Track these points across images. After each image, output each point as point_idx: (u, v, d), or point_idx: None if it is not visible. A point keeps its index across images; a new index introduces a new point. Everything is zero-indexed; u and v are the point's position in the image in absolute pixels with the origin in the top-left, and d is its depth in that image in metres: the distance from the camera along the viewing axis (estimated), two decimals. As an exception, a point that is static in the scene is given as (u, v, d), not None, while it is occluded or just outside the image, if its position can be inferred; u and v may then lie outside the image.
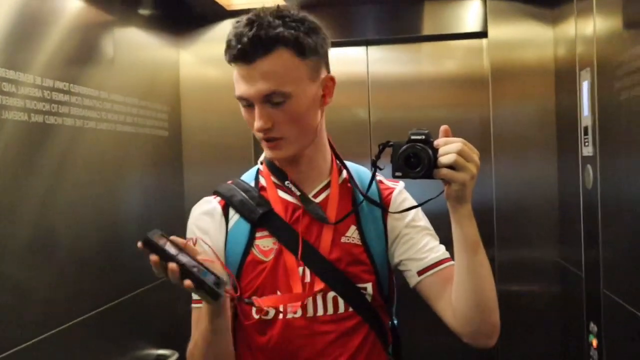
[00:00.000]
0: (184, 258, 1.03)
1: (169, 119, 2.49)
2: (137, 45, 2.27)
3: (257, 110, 1.14)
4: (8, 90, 1.51)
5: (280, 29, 1.11)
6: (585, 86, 1.91)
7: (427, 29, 2.61)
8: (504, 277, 2.43)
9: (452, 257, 1.20)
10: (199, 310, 1.20)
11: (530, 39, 2.43)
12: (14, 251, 1.52)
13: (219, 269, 1.10)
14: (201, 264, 1.05)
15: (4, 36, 1.52)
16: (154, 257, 1.02)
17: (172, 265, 1.01)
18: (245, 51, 1.11)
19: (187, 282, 1.01)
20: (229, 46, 1.13)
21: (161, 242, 1.04)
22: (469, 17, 2.55)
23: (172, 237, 1.07)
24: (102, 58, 2.00)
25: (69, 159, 1.77)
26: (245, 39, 1.10)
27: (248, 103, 1.16)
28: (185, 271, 1.02)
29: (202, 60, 2.65)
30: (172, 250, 1.03)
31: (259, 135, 1.18)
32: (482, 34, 2.53)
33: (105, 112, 1.95)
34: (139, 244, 1.02)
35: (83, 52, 1.88)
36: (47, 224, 1.66)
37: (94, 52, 1.96)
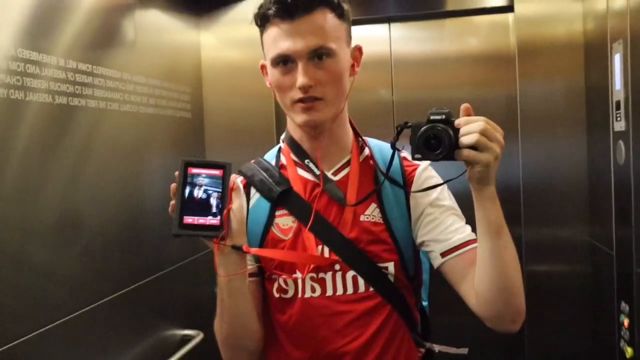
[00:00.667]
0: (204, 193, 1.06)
1: (191, 100, 2.48)
2: (158, 27, 2.26)
3: (301, 67, 1.13)
4: (32, 72, 1.50)
5: None
6: (617, 59, 1.86)
7: (451, 4, 2.55)
8: (532, 258, 2.40)
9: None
10: None
11: (558, 12, 2.36)
12: (40, 232, 1.53)
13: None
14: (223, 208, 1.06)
15: (28, 18, 1.51)
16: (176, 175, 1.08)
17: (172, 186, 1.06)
18: (288, 7, 1.11)
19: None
20: (270, 2, 1.13)
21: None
22: (495, -9, 2.49)
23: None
24: (124, 40, 1.99)
25: (92, 140, 1.77)
26: None
27: (287, 63, 1.15)
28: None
29: (224, 41, 2.63)
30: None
31: (296, 95, 1.16)
32: (508, 8, 2.46)
33: (128, 93, 1.95)
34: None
35: (105, 34, 1.87)
36: (72, 206, 1.66)
37: (116, 34, 1.95)
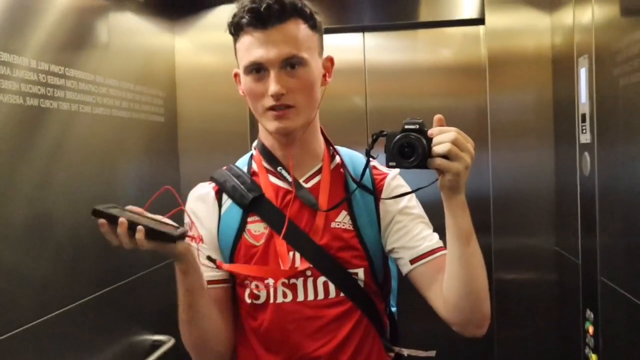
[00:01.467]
0: (133, 217, 1.07)
1: (164, 104, 2.47)
2: (132, 30, 2.25)
3: (273, 75, 1.15)
4: (3, 72, 1.49)
5: (295, 1, 1.16)
6: (582, 73, 1.91)
7: (424, 15, 2.60)
8: (501, 266, 2.45)
9: (445, 246, 1.19)
10: None
11: (527, 26, 2.42)
12: (9, 236, 1.51)
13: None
14: (160, 221, 1.10)
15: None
16: (101, 221, 1.07)
17: (121, 220, 1.05)
18: (261, 16, 1.13)
19: (139, 234, 1.06)
20: (244, 10, 1.15)
21: (113, 211, 1.08)
22: (466, 4, 2.55)
23: (130, 207, 1.12)
24: (97, 43, 1.98)
25: (64, 143, 1.75)
26: (264, 4, 1.12)
27: (259, 70, 1.16)
28: (133, 226, 1.06)
29: (198, 46, 2.63)
30: (125, 215, 1.07)
31: (267, 103, 1.17)
32: (479, 21, 2.52)
33: (100, 96, 1.93)
34: (92, 215, 1.06)
35: (78, 37, 1.86)
36: (43, 209, 1.65)
37: (89, 37, 1.94)
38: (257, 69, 1.16)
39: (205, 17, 2.61)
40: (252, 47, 1.15)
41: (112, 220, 1.06)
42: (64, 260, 1.72)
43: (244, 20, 1.15)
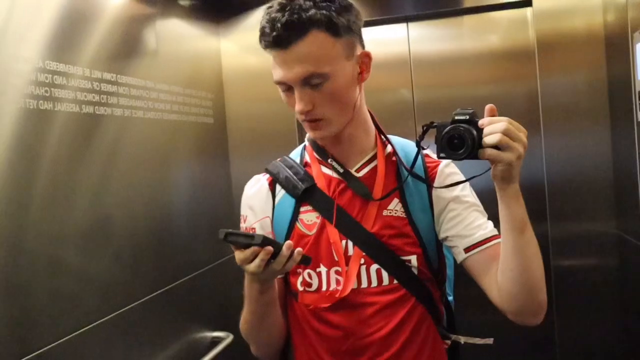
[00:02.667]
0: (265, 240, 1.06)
1: (213, 106, 2.52)
2: (179, 35, 2.30)
3: (297, 93, 1.15)
4: (59, 82, 1.55)
5: (312, 11, 1.11)
6: (638, 49, 1.84)
7: (469, 1, 2.55)
8: (559, 253, 2.39)
9: (499, 234, 1.17)
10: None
11: (577, 5, 2.34)
12: (71, 238, 1.57)
13: None
14: (274, 240, 1.09)
15: (53, 31, 1.56)
16: (253, 250, 1.06)
17: (268, 249, 1.06)
18: (280, 37, 1.11)
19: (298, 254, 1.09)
20: (263, 33, 1.14)
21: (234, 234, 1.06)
22: (512, -14, 2.49)
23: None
24: (147, 49, 2.03)
25: (119, 147, 1.81)
26: (278, 25, 1.10)
27: (287, 87, 1.17)
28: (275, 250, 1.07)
29: (243, 47, 2.66)
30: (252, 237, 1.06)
31: (301, 117, 1.19)
32: (527, 3, 2.45)
33: (152, 101, 1.99)
34: (221, 237, 1.05)
35: (128, 44, 1.92)
36: (102, 212, 1.71)
37: (139, 44, 1.99)
38: (284, 86, 1.18)
39: (249, 18, 2.64)
40: (276, 66, 1.16)
41: (247, 244, 1.06)
42: (125, 260, 1.78)
43: (263, 44, 1.15)
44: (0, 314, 1.32)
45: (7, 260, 1.35)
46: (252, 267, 1.07)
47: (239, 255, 1.08)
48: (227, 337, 2.21)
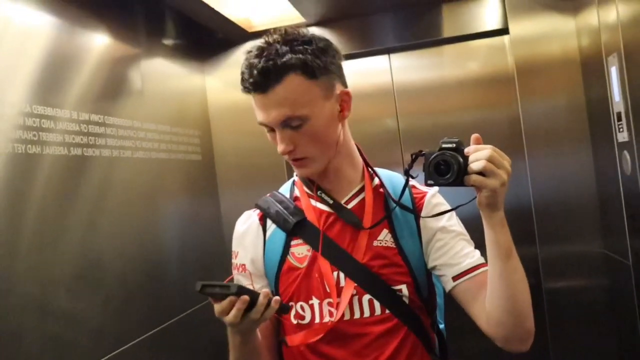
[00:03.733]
0: (240, 289, 1.06)
1: (200, 143, 2.54)
2: (164, 74, 2.33)
3: (278, 135, 1.18)
4: (47, 126, 1.56)
5: (288, 56, 1.13)
6: (613, 72, 1.89)
7: (448, 31, 2.61)
8: (550, 274, 2.40)
9: (486, 262, 1.19)
10: None
11: (552, 31, 2.41)
12: (61, 281, 1.57)
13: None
14: (250, 290, 1.09)
15: (39, 74, 1.58)
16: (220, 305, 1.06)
17: (244, 298, 1.05)
18: (257, 83, 1.14)
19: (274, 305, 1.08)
20: (242, 78, 1.17)
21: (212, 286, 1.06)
22: (489, 15, 2.55)
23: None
24: (133, 89, 2.06)
25: (108, 188, 1.82)
26: (255, 71, 1.13)
27: (270, 128, 1.20)
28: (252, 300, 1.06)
29: (228, 83, 2.70)
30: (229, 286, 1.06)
31: (284, 156, 1.21)
32: (504, 31, 2.52)
33: (139, 140, 2.01)
34: (197, 289, 1.05)
35: (114, 85, 1.94)
36: (92, 254, 1.71)
37: (125, 84, 2.02)
38: (267, 127, 1.20)
39: (232, 55, 2.69)
40: (257, 109, 1.19)
41: (224, 295, 1.06)
42: (116, 302, 1.77)
43: (244, 88, 1.19)
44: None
45: (4, 306, 1.35)
46: (229, 318, 1.08)
47: (216, 307, 1.09)
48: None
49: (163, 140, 2.18)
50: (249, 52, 1.18)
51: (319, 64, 1.17)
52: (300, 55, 1.14)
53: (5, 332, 1.36)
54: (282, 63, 1.13)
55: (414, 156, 1.14)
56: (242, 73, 1.17)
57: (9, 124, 1.45)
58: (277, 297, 1.10)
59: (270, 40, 1.16)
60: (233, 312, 1.07)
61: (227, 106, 2.70)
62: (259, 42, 1.18)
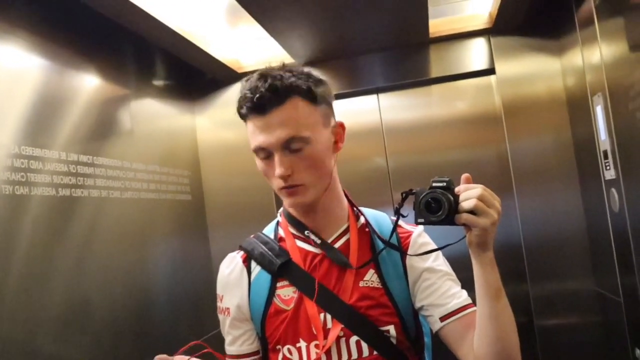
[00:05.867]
0: None
1: (190, 182, 2.53)
2: (154, 114, 2.34)
3: (277, 158, 1.17)
4: (35, 167, 1.55)
5: (293, 79, 1.16)
6: (599, 111, 1.92)
7: (435, 71, 2.65)
8: (541, 312, 2.39)
9: (474, 303, 1.19)
10: None
11: (538, 71, 2.46)
12: (48, 324, 1.54)
13: None
14: None
15: (28, 116, 1.58)
16: None
17: None
18: (262, 102, 1.14)
19: None
20: (244, 99, 1.17)
21: None
22: (475, 55, 2.60)
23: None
24: (122, 130, 2.06)
25: (97, 228, 1.80)
26: (261, 90, 1.13)
27: (266, 154, 1.19)
28: None
29: (218, 123, 2.72)
30: None
31: (279, 184, 1.20)
32: (490, 71, 2.57)
33: (128, 181, 2.00)
34: None
35: (103, 126, 1.94)
36: (80, 295, 1.68)
37: (114, 125, 2.02)
38: (263, 152, 1.21)
39: (223, 95, 2.71)
40: (255, 133, 1.18)
41: None
42: (104, 345, 1.73)
43: (244, 111, 1.19)
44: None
45: None
46: None
47: None
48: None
49: (152, 180, 2.17)
50: (248, 78, 1.18)
51: (320, 92, 1.19)
52: (303, 81, 1.17)
53: None
54: (289, 84, 1.15)
55: (404, 194, 1.14)
56: (244, 94, 1.17)
57: None
58: None
59: (270, 69, 1.18)
60: None
61: (216, 146, 2.71)
62: (259, 70, 1.19)
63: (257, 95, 1.14)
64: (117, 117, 2.05)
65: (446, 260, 1.30)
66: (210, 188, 2.69)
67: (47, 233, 1.58)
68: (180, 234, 2.39)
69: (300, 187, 1.20)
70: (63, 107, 1.73)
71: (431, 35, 2.55)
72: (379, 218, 1.34)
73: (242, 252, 1.34)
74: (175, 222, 2.36)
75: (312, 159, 1.18)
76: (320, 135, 1.20)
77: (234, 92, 2.63)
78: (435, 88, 2.74)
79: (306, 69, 1.22)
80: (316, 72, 1.23)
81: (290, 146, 1.16)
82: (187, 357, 1.09)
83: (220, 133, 2.71)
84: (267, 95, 1.14)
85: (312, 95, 1.18)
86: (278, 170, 1.17)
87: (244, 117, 1.20)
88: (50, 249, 1.59)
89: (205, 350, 1.12)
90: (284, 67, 1.20)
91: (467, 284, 1.16)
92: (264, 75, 1.16)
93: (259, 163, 1.23)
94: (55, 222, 1.62)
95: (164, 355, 1.10)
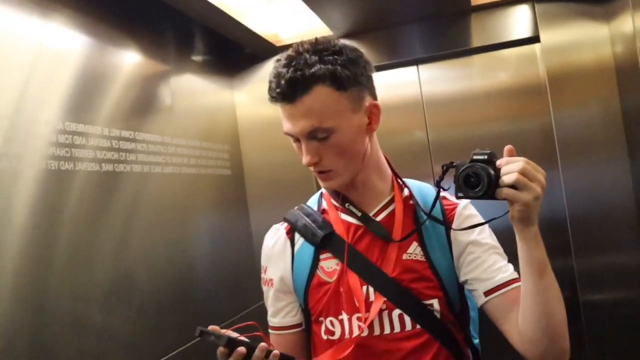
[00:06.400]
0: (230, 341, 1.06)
1: (230, 157, 2.55)
2: (193, 90, 2.35)
3: (303, 146, 1.16)
4: (79, 143, 1.58)
5: (317, 67, 1.12)
6: (650, 79, 1.85)
7: (477, 41, 2.58)
8: (586, 287, 2.34)
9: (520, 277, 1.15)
10: (275, 337, 1.29)
11: (585, 39, 2.36)
12: (94, 296, 1.58)
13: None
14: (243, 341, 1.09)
15: (72, 92, 1.61)
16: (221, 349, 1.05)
17: (240, 350, 1.04)
18: (285, 92, 1.13)
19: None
20: (270, 87, 1.16)
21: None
22: (519, 23, 2.51)
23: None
24: (162, 105, 2.08)
25: (139, 203, 1.83)
26: (283, 81, 1.12)
27: (296, 138, 1.18)
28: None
29: (256, 98, 2.71)
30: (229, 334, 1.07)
31: (310, 168, 1.20)
32: (534, 39, 2.48)
33: (169, 156, 2.02)
34: (197, 335, 1.06)
35: (144, 102, 1.96)
36: (124, 268, 1.72)
37: (155, 101, 2.04)
38: (292, 137, 1.19)
39: (261, 70, 2.71)
40: (284, 119, 1.18)
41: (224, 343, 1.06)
42: (149, 317, 1.78)
43: (271, 97, 1.17)
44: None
45: (31, 321, 1.36)
46: None
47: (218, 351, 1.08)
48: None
49: (193, 155, 2.19)
50: (278, 60, 1.17)
51: (348, 75, 1.15)
52: (330, 66, 1.13)
53: (39, 348, 1.37)
54: (311, 74, 1.11)
55: (444, 167, 1.11)
56: (270, 82, 1.16)
57: (43, 141, 1.48)
58: (277, 352, 1.07)
59: (300, 49, 1.15)
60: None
61: (256, 121, 2.71)
62: (289, 50, 1.17)
63: (279, 88, 1.13)
64: (158, 93, 2.07)
65: (492, 233, 1.27)
66: (250, 163, 2.70)
67: (91, 207, 1.62)
68: (220, 209, 2.41)
69: (330, 172, 1.20)
70: (105, 83, 1.75)
71: (473, 3, 2.48)
72: (423, 190, 1.32)
73: (285, 224, 1.34)
74: (216, 197, 2.38)
75: (340, 147, 1.16)
76: (347, 122, 1.17)
77: (270, 68, 2.60)
78: (477, 58, 2.66)
79: (340, 45, 1.18)
80: (351, 48, 1.19)
81: (316, 136, 1.14)
82: (236, 335, 1.09)
83: (259, 108, 2.71)
84: (290, 87, 1.12)
85: (339, 81, 1.14)
86: (305, 158, 1.16)
87: (273, 102, 1.19)
88: (95, 224, 1.62)
89: (257, 333, 1.12)
90: (315, 43, 1.16)
91: (515, 257, 1.13)
92: (290, 60, 1.14)
93: (293, 143, 1.22)
94: (99, 197, 1.65)
95: (216, 327, 1.10)
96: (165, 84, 2.12)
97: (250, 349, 1.06)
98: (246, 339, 1.09)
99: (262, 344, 1.07)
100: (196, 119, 2.30)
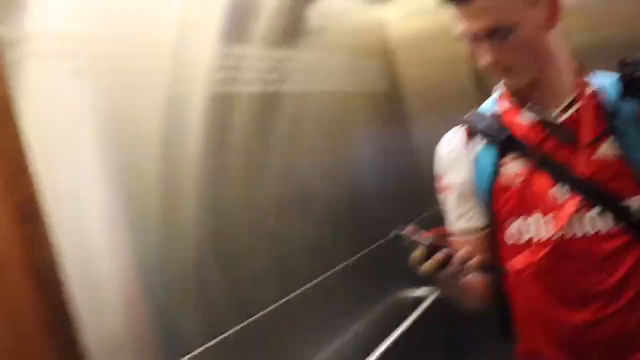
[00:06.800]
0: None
1: (385, 75, 2.53)
2: (343, 7, 2.33)
3: (483, 46, 1.14)
4: (241, 65, 1.64)
5: None
6: None
7: None
8: None
9: None
10: (459, 242, 1.28)
11: None
12: (269, 210, 1.67)
13: None
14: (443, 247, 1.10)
15: (229, 16, 1.64)
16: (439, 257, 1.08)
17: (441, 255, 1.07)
18: None
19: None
20: None
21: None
22: None
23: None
24: (314, 24, 2.07)
25: (301, 123, 1.88)
26: None
27: (472, 39, 1.16)
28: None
29: (407, 13, 2.64)
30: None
31: (488, 67, 1.17)
32: None
33: (325, 74, 2.05)
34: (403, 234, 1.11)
35: (296, 21, 1.97)
36: (294, 184, 1.79)
37: (307, 20, 2.04)
38: (468, 38, 1.17)
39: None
40: (459, 20, 1.16)
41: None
42: (324, 227, 1.86)
43: None
44: (219, 279, 1.44)
45: (213, 227, 1.45)
46: (424, 267, 1.10)
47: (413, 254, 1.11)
48: (430, 295, 2.17)
49: (348, 73, 2.21)
50: None
51: None
52: None
53: (224, 253, 1.47)
54: None
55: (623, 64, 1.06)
56: None
57: (207, 65, 1.53)
58: (478, 257, 1.07)
59: None
60: (427, 263, 1.09)
61: (408, 35, 2.64)
62: None
63: None
64: (309, 12, 2.06)
65: None
66: (406, 78, 2.67)
67: (258, 129, 1.68)
68: (379, 126, 2.42)
69: (511, 71, 1.17)
70: (257, 4, 1.77)
71: None
72: (614, 82, 1.22)
73: (464, 128, 1.33)
74: (373, 113, 2.39)
75: (520, 44, 1.13)
76: (527, 18, 1.13)
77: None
78: None
79: None
80: None
81: (495, 34, 1.11)
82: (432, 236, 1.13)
83: (410, 22, 2.64)
84: None
85: None
86: (484, 58, 1.14)
87: (446, 3, 1.17)
88: (262, 144, 1.69)
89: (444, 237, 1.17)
90: None
91: None
92: None
93: (468, 44, 1.19)
94: (264, 117, 1.71)
95: (415, 227, 1.14)
96: (316, 3, 2.12)
97: (448, 256, 1.06)
98: (446, 246, 1.10)
99: (466, 247, 1.08)
100: (348, 37, 2.29)
